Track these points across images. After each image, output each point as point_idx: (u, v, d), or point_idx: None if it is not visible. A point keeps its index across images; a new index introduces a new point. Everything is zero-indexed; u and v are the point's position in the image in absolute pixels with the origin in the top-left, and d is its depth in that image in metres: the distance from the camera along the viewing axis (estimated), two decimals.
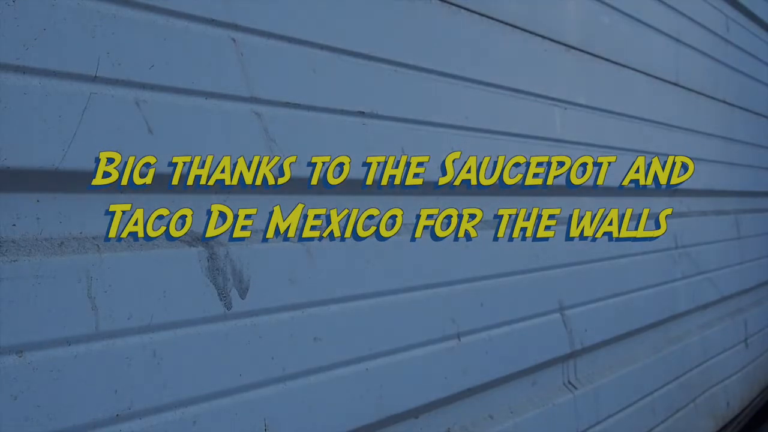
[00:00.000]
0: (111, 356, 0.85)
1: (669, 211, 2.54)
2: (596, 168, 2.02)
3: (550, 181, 1.80)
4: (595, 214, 2.06)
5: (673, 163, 2.52)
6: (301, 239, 1.12)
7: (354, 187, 1.24)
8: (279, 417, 1.04)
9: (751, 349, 3.24)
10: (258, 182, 1.07)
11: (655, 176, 2.41)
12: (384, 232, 1.29)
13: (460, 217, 1.50)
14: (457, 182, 1.47)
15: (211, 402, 0.95)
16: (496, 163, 1.58)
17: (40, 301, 0.79)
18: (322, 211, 1.19)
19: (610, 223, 2.12)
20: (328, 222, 1.20)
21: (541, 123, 1.76)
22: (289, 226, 1.12)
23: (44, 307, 0.79)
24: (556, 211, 1.87)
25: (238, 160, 1.03)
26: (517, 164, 1.66)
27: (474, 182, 1.53)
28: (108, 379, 0.84)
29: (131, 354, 0.87)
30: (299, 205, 1.14)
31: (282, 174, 1.09)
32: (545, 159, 1.78)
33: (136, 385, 0.87)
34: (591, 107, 2.00)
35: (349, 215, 1.24)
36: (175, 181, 0.95)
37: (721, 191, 3.02)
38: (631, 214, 2.27)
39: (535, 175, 1.74)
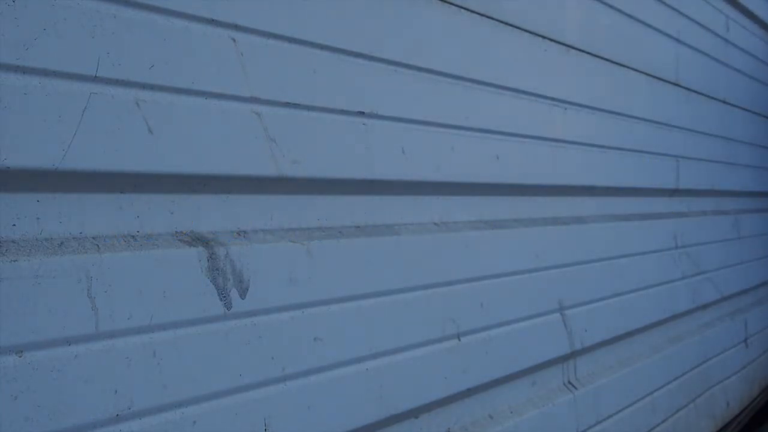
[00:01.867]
0: (111, 356, 0.85)
1: (669, 211, 2.54)
2: (596, 168, 2.03)
3: (550, 181, 1.80)
4: (595, 214, 2.06)
5: (673, 163, 2.52)
6: (301, 239, 1.12)
7: (353, 186, 1.25)
8: (279, 417, 1.04)
9: (751, 349, 3.24)
10: (258, 182, 1.07)
11: (656, 176, 2.41)
12: (384, 232, 1.29)
13: (459, 216, 1.50)
14: (457, 182, 1.47)
15: (212, 402, 0.95)
16: (496, 163, 1.58)
17: (40, 301, 0.79)
18: (322, 211, 1.19)
19: (610, 223, 2.12)
20: (328, 222, 1.20)
21: (541, 123, 1.76)
22: (289, 226, 1.12)
23: (44, 307, 0.79)
24: (556, 211, 1.87)
25: (238, 159, 1.03)
26: (516, 164, 1.67)
27: (474, 182, 1.53)
28: (108, 379, 0.84)
29: (131, 354, 0.87)
30: (299, 203, 1.14)
31: (282, 174, 1.09)
32: (545, 159, 1.78)
33: (136, 385, 0.87)
34: (591, 107, 2.00)
35: (349, 215, 1.24)
36: (174, 181, 0.95)
37: (721, 191, 3.02)
38: (632, 214, 2.28)
39: (535, 175, 1.74)
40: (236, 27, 1.03)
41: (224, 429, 0.97)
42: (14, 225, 0.80)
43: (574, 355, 1.83)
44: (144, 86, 0.91)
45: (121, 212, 0.90)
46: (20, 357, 0.76)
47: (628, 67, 2.23)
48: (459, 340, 1.42)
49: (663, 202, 2.51)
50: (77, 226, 0.85)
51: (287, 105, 1.10)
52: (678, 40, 2.60)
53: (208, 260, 0.97)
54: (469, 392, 1.46)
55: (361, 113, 1.24)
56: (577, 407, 1.80)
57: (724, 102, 3.09)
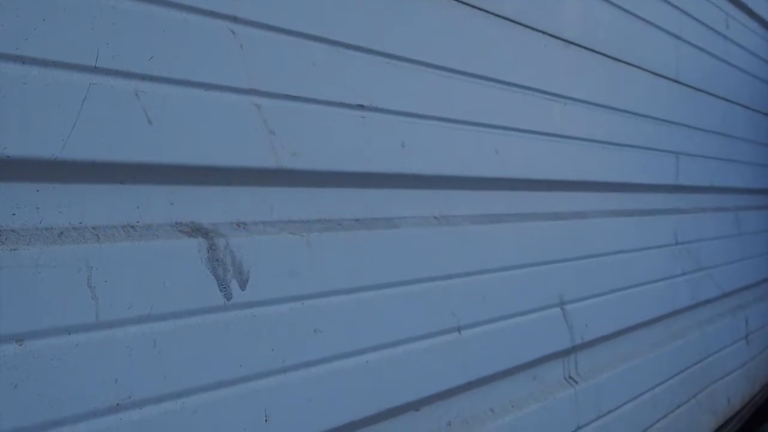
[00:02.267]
0: (111, 345, 0.85)
1: (669, 207, 2.54)
2: (596, 163, 2.03)
3: (549, 176, 1.80)
4: (595, 209, 2.06)
5: (673, 160, 2.52)
6: (300, 231, 1.12)
7: (353, 179, 1.25)
8: (279, 408, 1.04)
9: (752, 345, 3.24)
10: (257, 173, 1.07)
11: (656, 172, 2.41)
12: (384, 225, 1.29)
13: (459, 210, 1.51)
14: (456, 176, 1.47)
15: (212, 392, 0.96)
16: (495, 157, 1.58)
17: (40, 290, 0.79)
18: (322, 204, 1.19)
19: (610, 219, 2.12)
20: (328, 214, 1.20)
21: (540, 118, 1.76)
22: (288, 218, 1.12)
23: (44, 296, 0.79)
24: (557, 206, 1.87)
25: (238, 151, 1.03)
26: (516, 159, 1.67)
27: (473, 176, 1.53)
28: (108, 368, 0.84)
29: (131, 343, 0.87)
30: (299, 196, 1.15)
31: (281, 166, 1.09)
32: (545, 154, 1.78)
33: (136, 375, 0.87)
34: (590, 103, 2.00)
35: (348, 208, 1.24)
36: (174, 172, 0.96)
37: (721, 188, 3.02)
38: (632, 210, 2.28)
39: (535, 170, 1.75)
40: (235, 19, 1.03)
41: (224, 419, 0.97)
42: (14, 214, 0.80)
43: (575, 349, 1.83)
44: (143, 77, 0.91)
45: (120, 202, 0.90)
46: (20, 345, 0.77)
47: (628, 64, 2.23)
48: (460, 333, 1.42)
49: (663, 198, 2.51)
50: (77, 215, 0.85)
51: (287, 97, 1.11)
52: (678, 37, 2.60)
53: (208, 251, 0.97)
54: (470, 386, 1.46)
55: (361, 106, 1.24)
56: (578, 402, 1.79)
57: (724, 99, 3.09)
